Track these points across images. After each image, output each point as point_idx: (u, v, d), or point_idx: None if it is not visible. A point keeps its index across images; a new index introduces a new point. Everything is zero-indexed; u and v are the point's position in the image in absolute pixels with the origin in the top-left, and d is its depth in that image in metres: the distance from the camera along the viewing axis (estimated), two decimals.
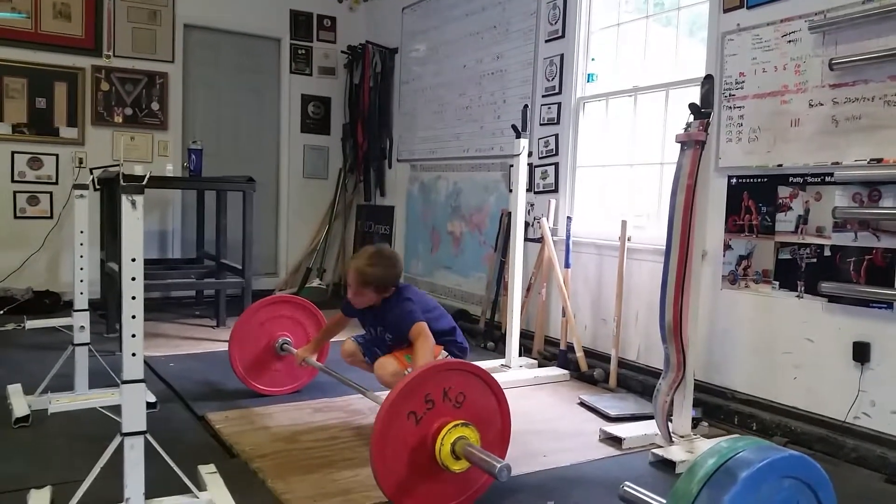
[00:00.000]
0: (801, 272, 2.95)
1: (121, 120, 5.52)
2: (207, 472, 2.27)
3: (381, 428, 2.01)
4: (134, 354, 1.87)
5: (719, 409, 3.21)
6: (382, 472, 2.02)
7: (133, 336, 1.87)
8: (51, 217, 5.31)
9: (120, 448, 1.88)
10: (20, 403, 2.86)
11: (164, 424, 2.82)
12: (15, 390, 3.01)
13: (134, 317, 1.87)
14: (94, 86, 5.41)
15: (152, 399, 3.00)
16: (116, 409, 1.94)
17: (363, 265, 2.77)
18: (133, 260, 1.85)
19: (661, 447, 2.72)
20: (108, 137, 5.48)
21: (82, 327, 2.96)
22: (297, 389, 3.37)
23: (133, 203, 1.83)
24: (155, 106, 5.63)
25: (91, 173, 3.36)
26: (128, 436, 1.88)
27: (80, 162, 5.34)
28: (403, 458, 2.05)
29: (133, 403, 1.88)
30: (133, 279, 1.86)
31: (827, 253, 2.86)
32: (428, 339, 2.66)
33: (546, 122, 4.36)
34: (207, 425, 2.88)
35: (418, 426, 2.07)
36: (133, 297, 1.87)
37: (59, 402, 2.91)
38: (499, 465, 1.95)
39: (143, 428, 1.90)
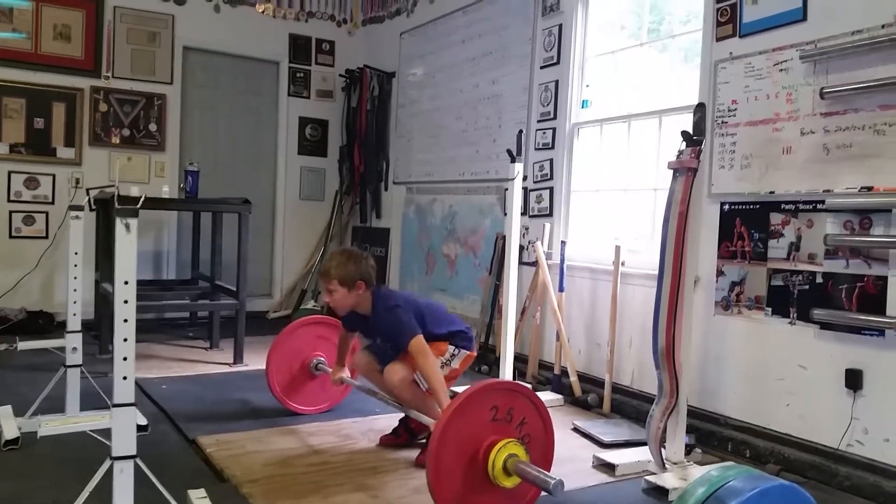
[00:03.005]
0: (793, 299, 2.96)
1: (118, 141, 5.54)
2: (197, 496, 2.25)
3: (444, 430, 2.14)
4: (125, 378, 1.86)
5: (713, 435, 3.20)
6: (437, 482, 2.13)
7: (124, 359, 1.86)
8: (46, 237, 5.31)
9: (109, 472, 1.87)
10: (10, 426, 2.84)
11: (155, 448, 2.80)
12: (5, 412, 2.98)
13: (126, 340, 1.86)
14: (93, 106, 5.44)
15: (143, 422, 2.98)
16: (107, 432, 1.93)
17: (326, 263, 2.88)
18: (126, 283, 1.85)
19: (655, 474, 2.70)
20: (105, 158, 5.50)
21: (74, 349, 2.95)
22: (330, 408, 3.46)
23: (127, 226, 1.84)
24: (153, 127, 5.66)
25: (87, 194, 3.37)
26: (117, 460, 1.86)
27: (77, 182, 5.36)
28: (458, 468, 2.16)
29: (123, 427, 1.87)
30: (125, 302, 1.85)
31: (819, 280, 2.87)
32: (428, 356, 2.70)
33: (541, 146, 4.39)
34: (198, 449, 2.86)
35: (493, 423, 2.21)
36: (125, 320, 1.86)
37: (49, 426, 2.89)
38: (553, 482, 2.06)
39: (133, 452, 1.88)
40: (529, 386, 3.99)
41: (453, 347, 2.91)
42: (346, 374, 3.20)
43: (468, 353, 2.97)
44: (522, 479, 2.15)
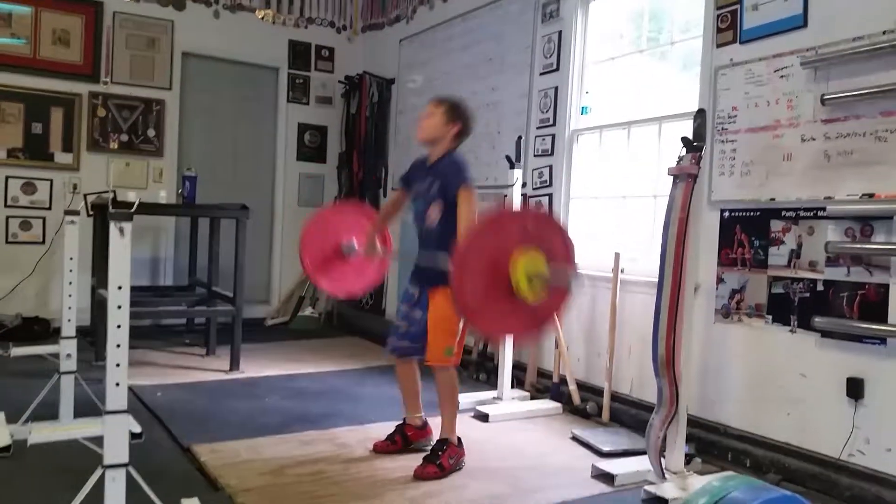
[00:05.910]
0: (794, 306, 2.94)
1: (116, 146, 5.53)
2: None
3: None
4: (118, 384, 1.84)
5: (713, 444, 3.17)
6: (460, 288, 2.25)
7: (117, 365, 1.84)
8: (43, 242, 5.29)
9: (101, 480, 1.84)
10: (2, 433, 2.79)
11: (149, 456, 2.76)
12: None
13: (119, 346, 1.84)
14: (91, 112, 5.43)
15: (137, 429, 2.93)
16: (100, 440, 1.90)
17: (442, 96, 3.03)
18: (119, 288, 1.83)
19: (654, 484, 2.67)
20: (103, 163, 5.48)
21: (69, 355, 2.92)
22: (364, 288, 3.48)
23: (121, 230, 1.82)
24: (151, 133, 5.65)
25: (85, 199, 3.35)
26: (109, 468, 1.84)
27: (75, 188, 5.34)
28: (482, 270, 2.27)
29: (115, 435, 1.85)
30: (119, 307, 1.83)
31: (820, 287, 2.85)
32: (472, 204, 2.78)
33: (540, 153, 4.37)
34: (193, 457, 2.83)
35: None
36: (118, 326, 1.84)
37: (39, 433, 2.85)
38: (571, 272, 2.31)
39: (125, 460, 1.86)
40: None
41: None
42: (377, 246, 3.20)
43: None
44: (537, 276, 2.27)
